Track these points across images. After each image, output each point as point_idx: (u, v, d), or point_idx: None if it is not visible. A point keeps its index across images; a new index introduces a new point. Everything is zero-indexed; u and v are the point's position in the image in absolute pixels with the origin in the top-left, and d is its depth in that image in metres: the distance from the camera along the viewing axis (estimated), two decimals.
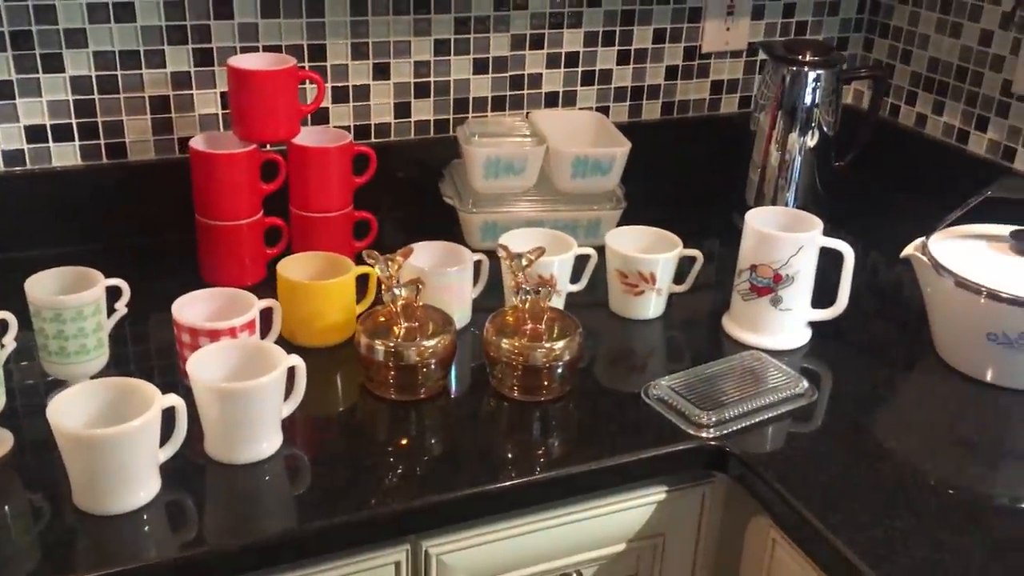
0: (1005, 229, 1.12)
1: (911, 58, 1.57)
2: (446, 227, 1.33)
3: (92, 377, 0.95)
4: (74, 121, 1.27)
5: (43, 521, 0.84)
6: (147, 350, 1.12)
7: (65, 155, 1.28)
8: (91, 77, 1.26)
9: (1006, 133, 1.43)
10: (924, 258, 1.09)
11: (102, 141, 1.29)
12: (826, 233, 1.12)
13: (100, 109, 1.27)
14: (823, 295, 1.15)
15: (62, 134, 1.27)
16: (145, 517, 0.85)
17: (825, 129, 1.41)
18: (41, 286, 0.95)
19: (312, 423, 0.99)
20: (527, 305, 1.02)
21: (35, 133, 1.26)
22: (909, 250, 1.12)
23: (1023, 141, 1.40)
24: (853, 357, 1.15)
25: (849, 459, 0.96)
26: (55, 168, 1.28)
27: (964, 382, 1.09)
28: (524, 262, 1.05)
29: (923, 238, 1.12)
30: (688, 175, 1.58)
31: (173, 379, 1.02)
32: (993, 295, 1.03)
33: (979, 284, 1.04)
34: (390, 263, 1.02)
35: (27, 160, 1.27)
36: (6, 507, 0.86)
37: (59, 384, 0.98)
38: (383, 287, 1.02)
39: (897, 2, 1.58)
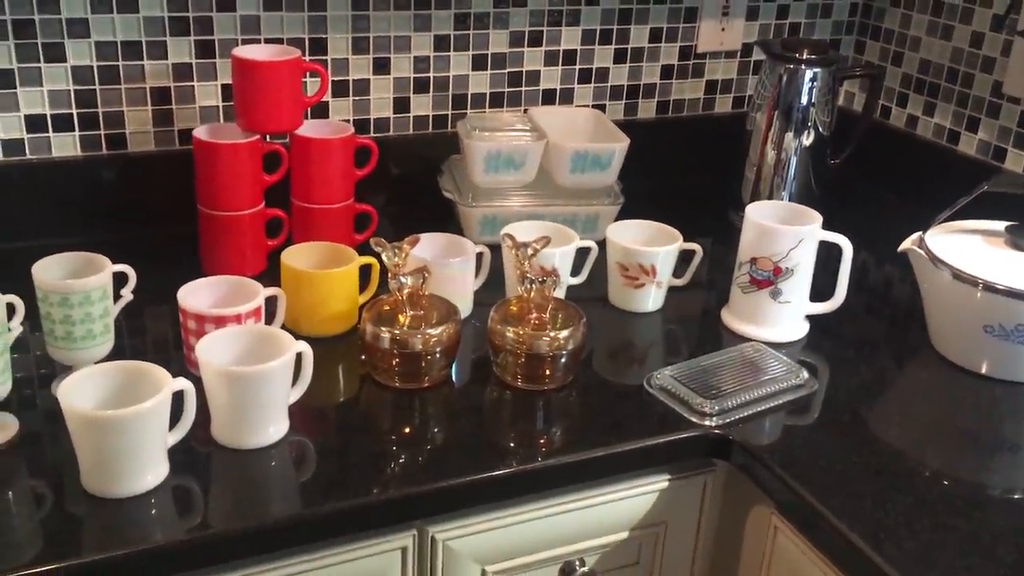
0: (1001, 224, 1.14)
1: (902, 60, 1.59)
2: (443, 223, 1.33)
3: (97, 363, 0.95)
4: (75, 111, 1.27)
5: (50, 504, 0.84)
6: (151, 338, 1.12)
7: (65, 145, 1.28)
8: (92, 67, 1.25)
9: (996, 133, 1.45)
10: (921, 252, 1.11)
11: (102, 132, 1.29)
12: None
13: (101, 100, 1.27)
14: (818, 291, 1.16)
15: (62, 124, 1.27)
16: (153, 500, 0.85)
17: (820, 129, 1.42)
18: (48, 271, 0.95)
19: (317, 411, 0.99)
20: (532, 294, 1.03)
21: (35, 123, 1.25)
22: (907, 244, 1.13)
23: (1013, 141, 1.43)
24: (850, 350, 1.17)
25: (849, 448, 0.98)
26: (54, 158, 1.28)
27: (960, 374, 1.11)
28: (530, 251, 1.05)
29: (920, 233, 1.14)
30: (683, 174, 1.60)
31: (178, 367, 1.01)
32: (990, 287, 1.05)
33: (976, 276, 1.05)
34: (397, 251, 1.02)
35: (27, 150, 1.26)
36: (10, 492, 0.85)
37: (63, 370, 0.98)
38: (389, 275, 1.02)
39: (889, 4, 1.61)
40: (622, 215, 1.33)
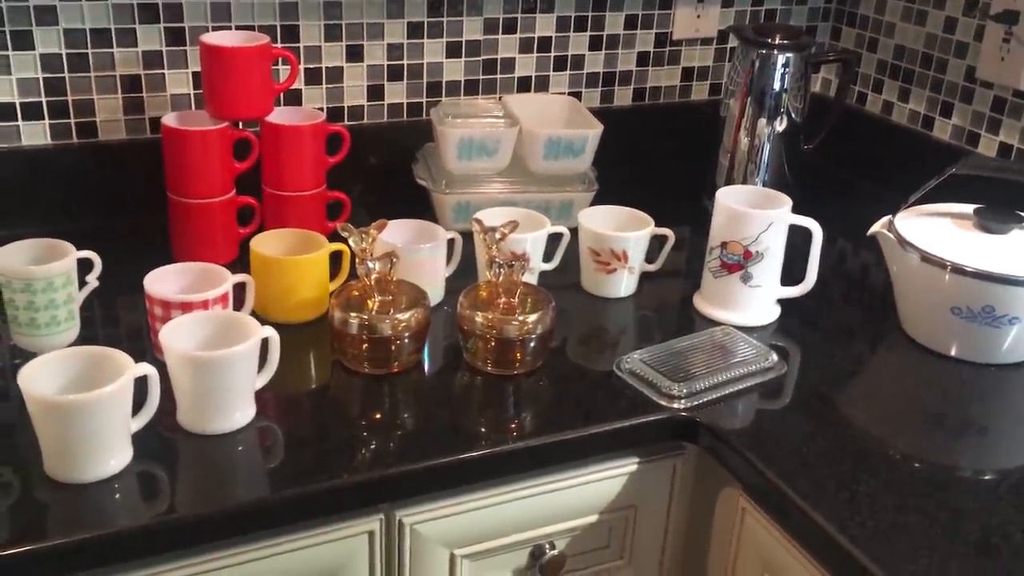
0: (969, 207, 1.14)
1: (878, 46, 1.60)
2: (418, 212, 1.32)
3: None
4: (44, 99, 1.26)
5: (14, 489, 0.84)
6: (118, 326, 1.11)
7: (35, 134, 1.27)
8: (61, 55, 1.25)
9: (970, 119, 1.45)
10: (890, 235, 1.11)
11: (72, 120, 1.28)
12: None
13: (70, 88, 1.27)
14: (789, 276, 1.17)
15: (32, 112, 1.26)
16: (116, 485, 0.84)
17: (793, 114, 1.43)
18: (11, 257, 0.95)
19: (285, 397, 0.99)
20: (500, 279, 1.03)
21: (4, 111, 1.25)
22: (876, 227, 1.14)
23: (986, 126, 1.43)
24: (820, 334, 1.17)
25: (816, 430, 0.98)
26: (24, 147, 1.27)
27: (929, 356, 1.11)
28: (498, 235, 1.05)
29: (889, 216, 1.14)
30: (658, 161, 1.60)
31: (149, 354, 1.01)
32: (958, 269, 1.05)
33: (944, 259, 1.06)
34: (364, 236, 1.02)
35: None
36: None
37: (30, 357, 0.97)
38: (357, 260, 1.02)
39: None
40: (597, 201, 1.33)
